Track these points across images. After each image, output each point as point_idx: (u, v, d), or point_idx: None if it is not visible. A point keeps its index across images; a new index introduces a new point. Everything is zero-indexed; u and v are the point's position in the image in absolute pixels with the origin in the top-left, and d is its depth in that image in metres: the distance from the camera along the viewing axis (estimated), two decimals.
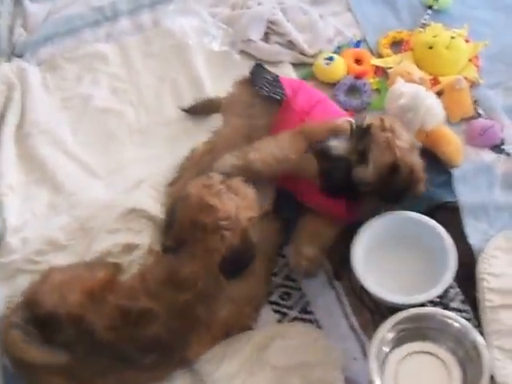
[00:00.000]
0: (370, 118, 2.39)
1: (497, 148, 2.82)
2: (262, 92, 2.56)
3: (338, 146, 2.33)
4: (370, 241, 2.42)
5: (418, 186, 2.39)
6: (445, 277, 2.31)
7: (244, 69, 2.83)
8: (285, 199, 2.59)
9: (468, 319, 2.37)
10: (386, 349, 2.26)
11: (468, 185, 2.64)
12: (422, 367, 2.25)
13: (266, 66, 2.74)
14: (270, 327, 2.43)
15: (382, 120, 2.36)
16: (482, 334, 2.29)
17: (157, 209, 2.61)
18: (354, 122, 2.39)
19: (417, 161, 2.39)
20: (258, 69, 2.68)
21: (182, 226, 2.17)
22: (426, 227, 2.42)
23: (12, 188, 2.73)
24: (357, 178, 2.32)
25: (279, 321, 2.46)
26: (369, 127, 2.34)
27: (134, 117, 2.94)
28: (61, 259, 2.55)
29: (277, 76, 2.64)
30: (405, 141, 2.35)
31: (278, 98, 2.54)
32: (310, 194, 2.47)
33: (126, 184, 2.73)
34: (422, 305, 2.32)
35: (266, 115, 2.57)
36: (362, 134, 2.33)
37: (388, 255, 2.46)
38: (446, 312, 2.30)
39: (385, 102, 2.80)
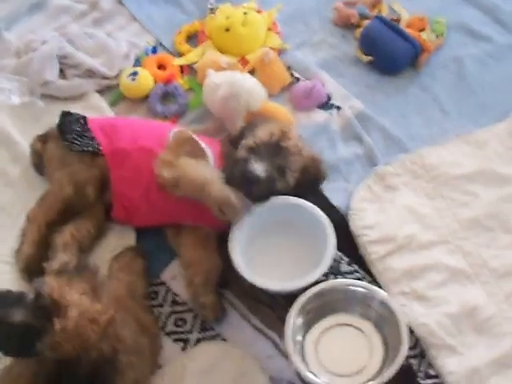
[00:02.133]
0: (265, 132, 2.39)
1: (325, 105, 2.84)
2: (74, 147, 2.50)
3: (262, 168, 2.33)
4: (247, 234, 2.38)
5: (321, 169, 2.49)
6: (327, 251, 2.30)
7: (51, 113, 2.78)
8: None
9: (361, 278, 2.39)
10: (299, 335, 2.24)
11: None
12: (340, 341, 2.25)
13: (72, 107, 2.73)
14: (177, 358, 2.35)
15: (283, 132, 2.39)
16: (380, 287, 2.31)
17: (19, 283, 2.46)
18: (254, 141, 2.39)
19: (310, 149, 2.48)
20: (66, 119, 2.60)
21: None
22: (291, 206, 2.40)
23: None
24: (278, 189, 2.39)
25: (183, 349, 2.38)
26: (278, 141, 2.37)
27: None
28: None
29: (85, 123, 2.56)
30: (299, 139, 2.45)
31: (91, 149, 2.49)
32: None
33: None
34: (316, 283, 2.29)
35: (85, 166, 2.50)
36: (273, 151, 2.36)
37: (268, 244, 2.43)
38: (347, 280, 2.31)
39: (203, 99, 2.77)
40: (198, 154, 2.44)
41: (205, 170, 2.35)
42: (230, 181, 2.35)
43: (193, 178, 2.33)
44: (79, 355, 1.99)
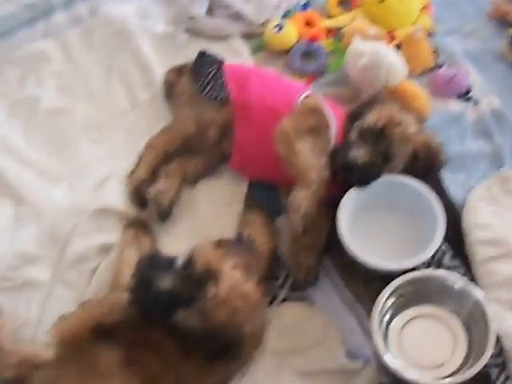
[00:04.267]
0: (374, 116, 2.39)
1: (464, 96, 2.80)
2: (204, 92, 2.56)
3: (361, 155, 2.34)
4: (356, 208, 2.39)
5: (438, 157, 2.46)
6: (435, 237, 2.28)
7: (191, 48, 2.82)
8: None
9: (462, 275, 2.34)
10: (387, 317, 2.24)
11: (439, 137, 2.56)
12: (425, 331, 2.24)
13: (213, 47, 2.76)
14: None
15: (390, 117, 2.38)
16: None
17: (127, 203, 2.55)
18: (363, 124, 2.40)
19: (428, 136, 2.45)
20: (202, 59, 2.65)
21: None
22: (409, 189, 2.38)
23: None
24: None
25: (270, 303, 2.41)
26: (383, 128, 2.37)
27: (85, 113, 2.83)
28: (35, 271, 2.47)
29: (220, 68, 2.60)
30: (412, 124, 2.40)
31: (220, 97, 2.54)
32: None
33: (90, 183, 2.63)
34: (414, 268, 2.28)
35: (212, 109, 2.55)
36: (378, 137, 2.36)
37: (375, 221, 2.44)
38: (446, 273, 2.27)
39: (344, 63, 2.76)
40: (320, 128, 2.44)
41: (312, 167, 2.34)
42: (332, 166, 2.37)
43: (300, 168, 2.34)
44: (224, 327, 2.02)
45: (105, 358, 2.09)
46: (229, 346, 2.05)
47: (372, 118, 2.39)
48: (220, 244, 2.18)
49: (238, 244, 2.27)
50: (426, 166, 2.42)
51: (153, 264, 2.06)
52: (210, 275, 2.01)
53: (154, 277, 2.00)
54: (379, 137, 2.36)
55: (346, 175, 2.36)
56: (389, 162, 2.37)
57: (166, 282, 1.99)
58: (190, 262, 2.04)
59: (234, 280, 2.03)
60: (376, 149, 2.35)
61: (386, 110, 2.41)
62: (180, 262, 2.06)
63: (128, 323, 2.14)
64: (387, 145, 2.36)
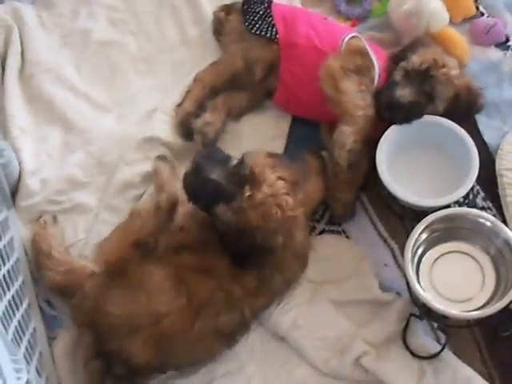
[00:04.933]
0: (419, 58, 2.46)
1: (502, 45, 2.85)
2: (253, 30, 2.63)
3: (406, 94, 2.42)
4: (394, 147, 2.46)
5: (478, 100, 2.53)
6: (469, 177, 2.36)
7: None
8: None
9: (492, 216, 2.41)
10: (419, 251, 2.32)
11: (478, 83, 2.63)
12: (455, 266, 2.32)
13: None
14: None
15: (435, 60, 2.44)
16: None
17: (173, 134, 2.65)
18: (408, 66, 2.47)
19: (469, 79, 2.52)
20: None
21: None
22: (445, 130, 2.46)
23: (23, 130, 2.69)
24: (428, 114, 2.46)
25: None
26: (428, 70, 2.43)
27: (136, 46, 2.91)
28: (82, 196, 2.59)
29: (269, 7, 2.67)
30: (455, 68, 2.47)
31: (268, 36, 2.60)
32: None
33: (138, 114, 2.72)
34: (448, 206, 2.37)
35: (260, 47, 2.62)
36: (422, 78, 2.44)
37: (412, 160, 2.51)
38: (478, 211, 2.35)
39: (387, 8, 2.82)
40: (365, 68, 2.51)
41: (358, 104, 2.42)
42: (377, 104, 2.45)
43: (346, 105, 2.42)
44: (255, 230, 2.13)
45: (153, 276, 2.23)
46: (258, 251, 2.18)
47: (417, 60, 2.46)
48: (273, 156, 2.31)
49: (290, 161, 2.40)
50: (466, 107, 2.50)
51: (209, 156, 2.20)
52: (252, 177, 2.13)
53: (206, 166, 2.15)
54: (424, 77, 2.44)
55: (391, 113, 2.44)
56: (432, 102, 2.44)
57: (214, 173, 2.14)
58: (241, 162, 2.18)
59: (275, 188, 2.15)
60: (420, 89, 2.43)
61: (431, 52, 2.49)
62: (234, 162, 2.19)
63: (182, 245, 2.28)
64: (431, 85, 2.43)
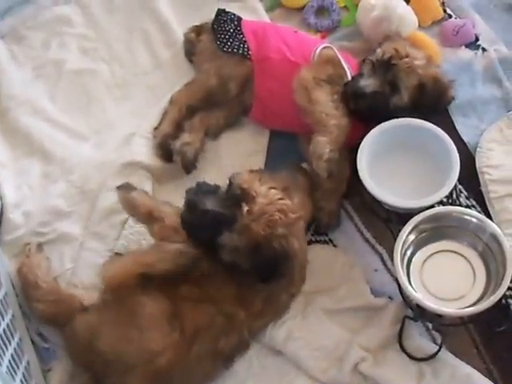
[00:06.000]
0: (383, 49, 2.50)
1: (472, 45, 2.88)
2: (225, 48, 2.64)
3: (369, 84, 2.45)
4: (375, 151, 2.46)
5: (447, 91, 2.55)
6: (450, 176, 2.37)
7: (209, 7, 2.90)
8: None
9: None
10: (408, 253, 2.32)
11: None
12: (445, 265, 2.33)
13: (230, 5, 2.85)
14: None
15: (396, 49, 2.48)
16: None
17: (152, 157, 2.65)
18: (373, 58, 2.51)
19: (436, 71, 2.55)
20: (221, 17, 2.73)
21: None
22: (425, 131, 2.47)
23: (3, 164, 2.69)
24: (393, 106, 2.47)
25: None
26: (390, 59, 2.46)
27: (109, 73, 2.92)
28: (67, 226, 2.57)
29: (239, 25, 2.69)
30: (420, 59, 2.50)
31: (241, 52, 2.63)
32: None
33: (116, 140, 2.72)
34: (432, 207, 2.38)
35: (233, 64, 2.64)
36: (385, 67, 2.47)
37: (393, 163, 2.51)
38: (462, 209, 2.37)
39: (356, 18, 2.84)
40: (338, 77, 2.54)
41: (331, 114, 2.43)
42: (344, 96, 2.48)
43: (319, 115, 2.43)
44: (267, 240, 2.13)
45: (146, 309, 2.21)
46: (277, 261, 2.17)
47: (380, 51, 2.50)
48: (256, 171, 2.32)
49: (273, 172, 2.41)
50: (433, 98, 2.51)
51: (199, 190, 2.20)
52: (244, 194, 2.14)
53: (199, 200, 2.15)
54: (387, 67, 2.46)
55: (356, 103, 2.46)
56: (397, 92, 2.46)
57: (209, 204, 2.14)
58: (229, 186, 2.18)
59: (269, 197, 2.15)
60: (384, 78, 2.46)
61: (394, 44, 2.52)
62: (223, 189, 2.20)
63: (182, 278, 2.26)
64: (394, 74, 2.45)
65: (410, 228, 2.31)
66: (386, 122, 2.47)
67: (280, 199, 2.17)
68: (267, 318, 2.35)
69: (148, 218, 2.37)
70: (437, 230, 2.35)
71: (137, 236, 2.52)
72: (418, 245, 2.34)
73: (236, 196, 2.15)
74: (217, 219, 2.13)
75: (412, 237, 2.32)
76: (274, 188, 2.20)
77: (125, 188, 2.45)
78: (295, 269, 2.31)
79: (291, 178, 2.47)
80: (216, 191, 2.20)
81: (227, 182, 2.20)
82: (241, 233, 2.12)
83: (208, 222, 2.13)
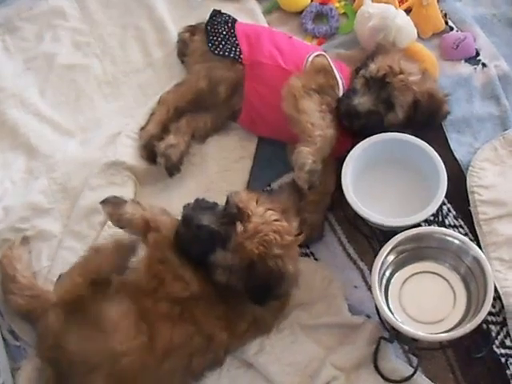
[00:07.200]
0: (376, 65, 2.44)
1: (472, 59, 2.80)
2: (217, 51, 2.60)
3: (363, 102, 2.40)
4: (360, 165, 2.41)
5: (441, 107, 2.50)
6: (437, 195, 2.30)
7: (205, 7, 2.86)
8: None
9: (464, 234, 2.39)
10: (387, 272, 2.27)
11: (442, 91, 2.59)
12: (425, 287, 2.27)
13: (226, 6, 2.83)
14: None
15: (390, 67, 2.42)
16: (479, 247, 2.29)
17: (137, 158, 2.61)
18: (366, 74, 2.45)
19: (431, 85, 2.48)
20: (215, 19, 2.69)
21: None
22: (412, 147, 2.40)
23: None
24: (388, 124, 2.42)
25: None
26: (384, 77, 2.41)
27: (100, 69, 2.89)
28: (46, 223, 2.54)
29: (233, 27, 2.65)
30: (414, 73, 2.44)
31: (232, 56, 2.58)
32: None
33: (102, 138, 2.69)
34: (418, 225, 2.32)
35: (224, 67, 2.59)
36: (380, 85, 2.41)
37: (379, 178, 2.46)
38: (445, 230, 2.30)
39: (354, 26, 2.79)
40: (328, 86, 2.48)
41: (316, 124, 2.36)
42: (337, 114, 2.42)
43: (304, 125, 2.37)
44: (261, 259, 2.10)
45: (109, 313, 2.17)
46: (272, 281, 2.13)
47: (374, 67, 2.43)
48: (254, 192, 2.26)
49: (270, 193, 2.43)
50: (429, 114, 2.45)
51: (197, 206, 2.19)
52: (240, 213, 2.11)
53: (196, 215, 2.14)
54: (381, 85, 2.40)
55: (349, 122, 2.41)
56: (392, 110, 2.41)
57: (205, 220, 2.13)
58: (227, 204, 2.16)
59: (265, 217, 2.12)
60: (378, 97, 2.40)
61: (388, 59, 2.45)
62: (220, 206, 2.20)
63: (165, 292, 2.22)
64: (389, 93, 2.40)
65: (389, 248, 2.25)
66: (373, 136, 2.40)
67: (276, 220, 2.14)
68: (248, 338, 2.31)
69: (144, 230, 2.30)
70: (418, 250, 2.29)
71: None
72: (398, 265, 2.29)
73: (232, 214, 2.12)
74: (211, 235, 2.12)
75: (392, 257, 2.27)
76: (271, 209, 2.16)
77: (112, 203, 2.35)
78: (289, 292, 2.27)
79: (291, 201, 2.42)
80: (214, 208, 2.19)
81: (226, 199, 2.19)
82: (234, 251, 2.10)
83: (202, 237, 2.12)
